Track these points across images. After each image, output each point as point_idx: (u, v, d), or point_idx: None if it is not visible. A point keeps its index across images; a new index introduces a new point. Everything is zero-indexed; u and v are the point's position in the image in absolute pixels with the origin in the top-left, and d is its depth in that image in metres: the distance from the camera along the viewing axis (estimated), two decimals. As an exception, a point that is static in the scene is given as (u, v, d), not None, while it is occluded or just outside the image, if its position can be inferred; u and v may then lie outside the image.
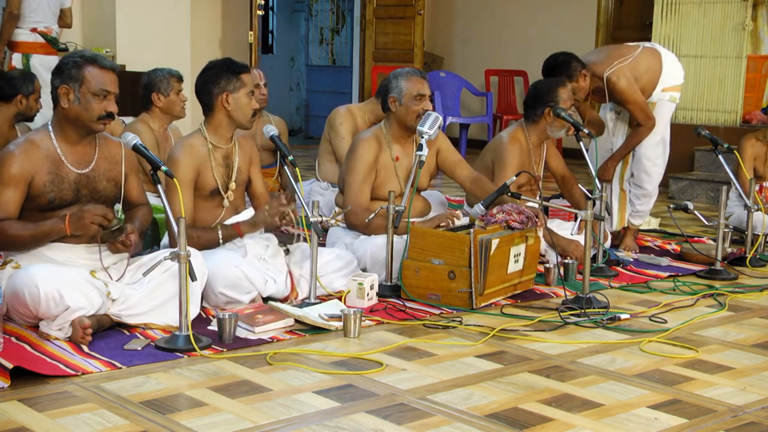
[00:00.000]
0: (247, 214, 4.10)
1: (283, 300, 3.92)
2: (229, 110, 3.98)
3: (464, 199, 5.34)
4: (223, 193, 4.03)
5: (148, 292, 3.54)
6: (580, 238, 4.55)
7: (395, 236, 4.19)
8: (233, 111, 3.98)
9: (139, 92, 5.32)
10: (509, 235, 4.10)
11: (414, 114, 4.42)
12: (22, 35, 6.61)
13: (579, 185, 5.17)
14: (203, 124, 4.05)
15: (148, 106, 5.27)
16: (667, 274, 4.81)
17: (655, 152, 5.29)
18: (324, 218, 3.86)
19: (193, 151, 3.96)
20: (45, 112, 6.08)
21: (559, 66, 4.96)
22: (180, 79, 5.27)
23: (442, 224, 4.31)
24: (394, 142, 4.53)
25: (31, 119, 5.14)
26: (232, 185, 4.06)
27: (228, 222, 4.01)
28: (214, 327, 3.54)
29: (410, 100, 4.43)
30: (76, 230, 3.44)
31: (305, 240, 4.03)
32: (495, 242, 3.98)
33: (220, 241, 3.94)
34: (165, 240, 4.09)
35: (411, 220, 4.25)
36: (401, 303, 4.04)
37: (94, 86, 3.49)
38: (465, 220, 4.49)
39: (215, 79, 3.98)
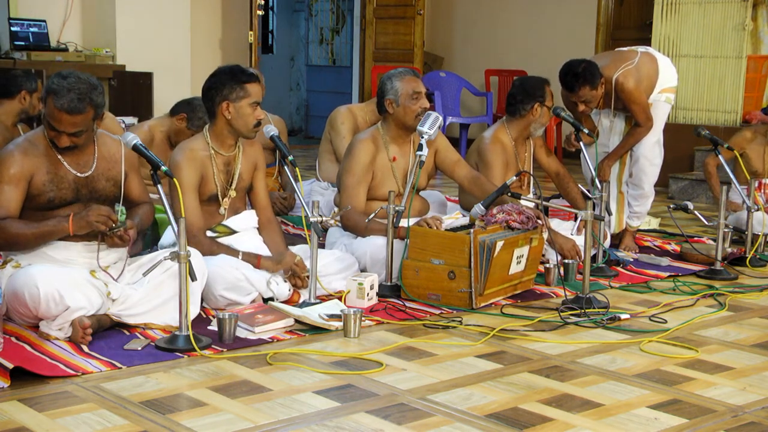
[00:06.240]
0: (247, 215, 4.09)
1: (285, 303, 3.90)
2: (230, 119, 3.94)
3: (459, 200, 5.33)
4: (220, 199, 4.01)
5: (148, 292, 3.54)
6: (580, 239, 4.56)
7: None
8: (234, 120, 3.93)
9: (139, 94, 5.29)
10: (514, 237, 4.10)
11: (413, 113, 4.42)
12: None
13: (578, 184, 5.17)
14: (207, 129, 4.03)
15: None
16: (667, 274, 4.81)
17: (653, 152, 5.31)
18: (324, 218, 3.86)
19: (195, 155, 3.93)
20: None
21: (584, 74, 4.92)
22: None
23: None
24: (391, 143, 4.52)
25: (33, 120, 5.12)
26: (232, 193, 4.04)
27: (227, 222, 4.01)
28: (214, 327, 3.54)
29: (407, 99, 4.42)
30: (80, 230, 3.43)
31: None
32: (499, 244, 3.97)
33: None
34: (164, 239, 4.08)
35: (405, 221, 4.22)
36: (401, 303, 4.04)
37: (47, 116, 3.45)
38: (465, 220, 4.49)
39: (218, 85, 3.92)
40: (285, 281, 3.93)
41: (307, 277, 3.90)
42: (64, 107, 3.38)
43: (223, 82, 3.92)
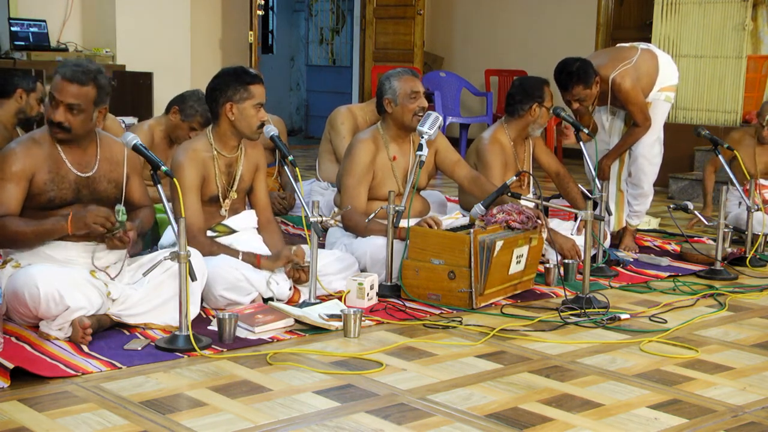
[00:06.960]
0: (247, 215, 4.09)
1: (286, 303, 3.90)
2: (233, 120, 3.93)
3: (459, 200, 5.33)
4: (221, 200, 4.01)
5: (148, 292, 3.54)
6: (580, 239, 4.55)
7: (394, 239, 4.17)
8: (237, 122, 3.93)
9: (139, 94, 5.29)
10: (513, 237, 4.10)
11: (410, 112, 4.42)
12: None
13: (579, 184, 5.17)
14: (210, 130, 4.03)
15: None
16: (667, 274, 4.81)
17: (652, 151, 5.30)
18: (324, 218, 3.85)
19: (197, 156, 3.93)
20: None
21: (578, 72, 4.91)
22: None
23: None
24: (391, 143, 4.52)
25: (32, 122, 5.12)
26: (233, 194, 4.04)
27: (227, 222, 4.01)
28: (214, 327, 3.54)
29: (405, 98, 4.43)
30: (78, 230, 3.43)
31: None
32: (499, 244, 3.97)
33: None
34: (164, 239, 4.08)
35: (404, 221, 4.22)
36: (401, 303, 4.04)
37: (50, 89, 3.49)
38: (465, 220, 4.49)
39: (223, 86, 3.92)
40: (286, 281, 3.93)
41: (308, 267, 3.89)
42: (66, 75, 3.44)
43: (227, 84, 3.92)
